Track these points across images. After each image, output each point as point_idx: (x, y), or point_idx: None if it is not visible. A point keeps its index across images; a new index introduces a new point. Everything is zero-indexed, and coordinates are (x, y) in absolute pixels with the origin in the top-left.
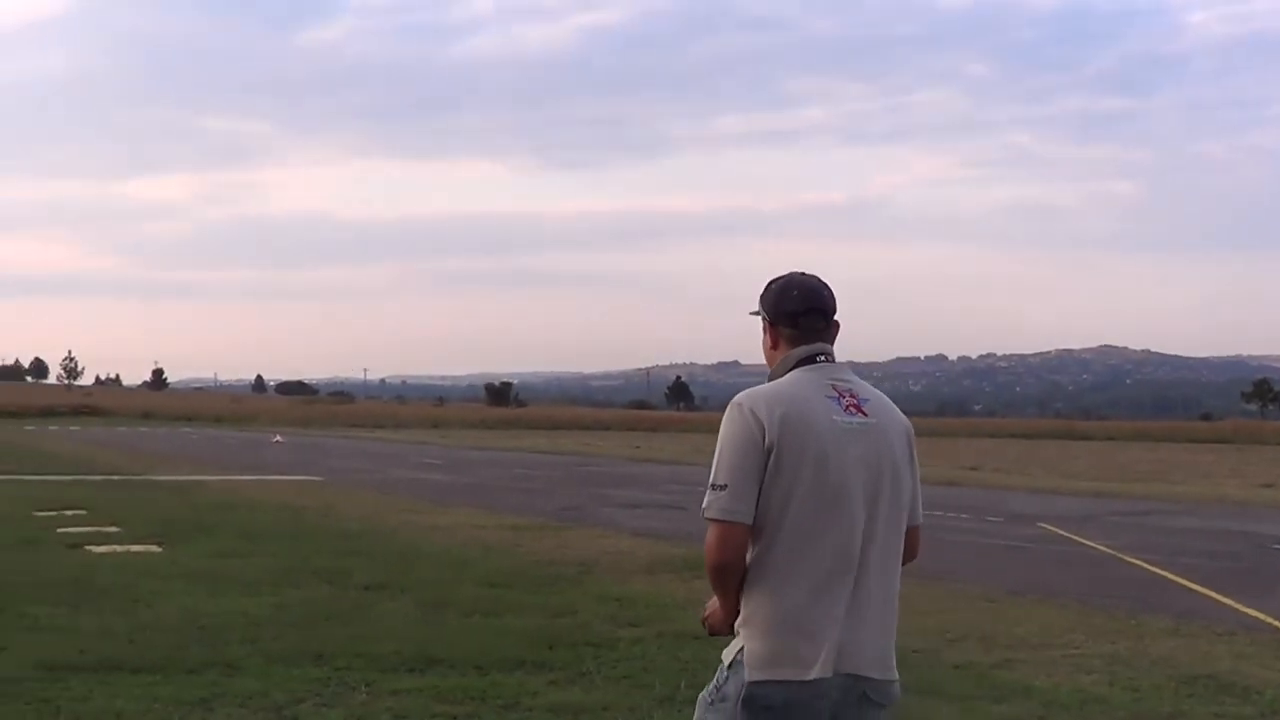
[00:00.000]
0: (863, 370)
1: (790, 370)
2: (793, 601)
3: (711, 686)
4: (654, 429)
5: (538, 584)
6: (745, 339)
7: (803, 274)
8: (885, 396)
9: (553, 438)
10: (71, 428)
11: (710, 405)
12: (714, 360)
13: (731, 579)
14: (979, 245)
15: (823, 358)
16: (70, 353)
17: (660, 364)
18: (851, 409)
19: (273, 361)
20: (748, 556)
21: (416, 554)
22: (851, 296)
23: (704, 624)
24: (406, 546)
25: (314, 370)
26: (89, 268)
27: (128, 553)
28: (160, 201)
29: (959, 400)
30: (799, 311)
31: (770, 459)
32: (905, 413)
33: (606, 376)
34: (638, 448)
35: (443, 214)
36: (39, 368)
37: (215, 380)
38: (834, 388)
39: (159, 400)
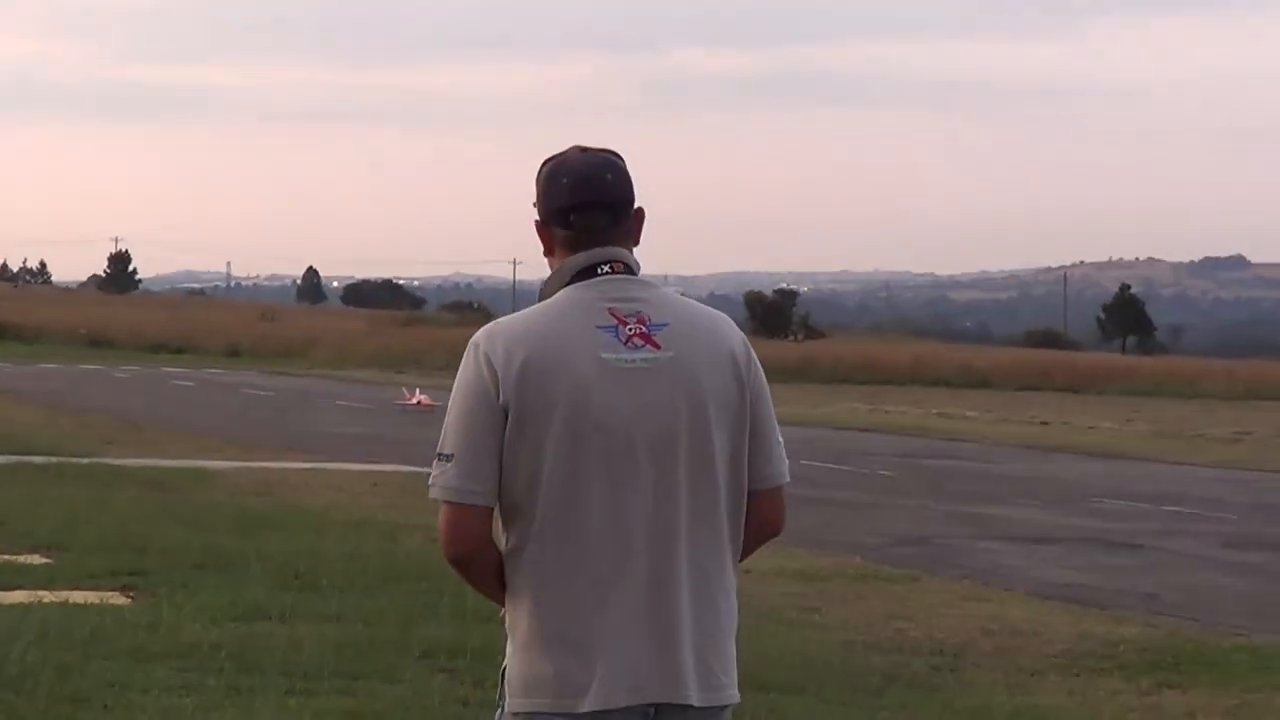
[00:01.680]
0: None
1: (564, 286)
2: (556, 608)
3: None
4: (1074, 386)
5: (852, 689)
6: (1263, 221)
7: (583, 150)
8: (708, 311)
9: (874, 397)
10: None
11: (1185, 342)
12: (1195, 255)
13: (480, 575)
14: None
15: (606, 268)
16: None
17: (1089, 260)
18: (636, 340)
19: (336, 245)
20: (502, 546)
21: None
22: None
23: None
24: None
25: (414, 263)
26: None
27: (66, 606)
28: None
29: None
30: (570, 207)
31: (509, 421)
32: None
33: (982, 281)
34: (1044, 424)
35: None
36: None
37: (227, 277)
38: (612, 312)
39: (121, 313)
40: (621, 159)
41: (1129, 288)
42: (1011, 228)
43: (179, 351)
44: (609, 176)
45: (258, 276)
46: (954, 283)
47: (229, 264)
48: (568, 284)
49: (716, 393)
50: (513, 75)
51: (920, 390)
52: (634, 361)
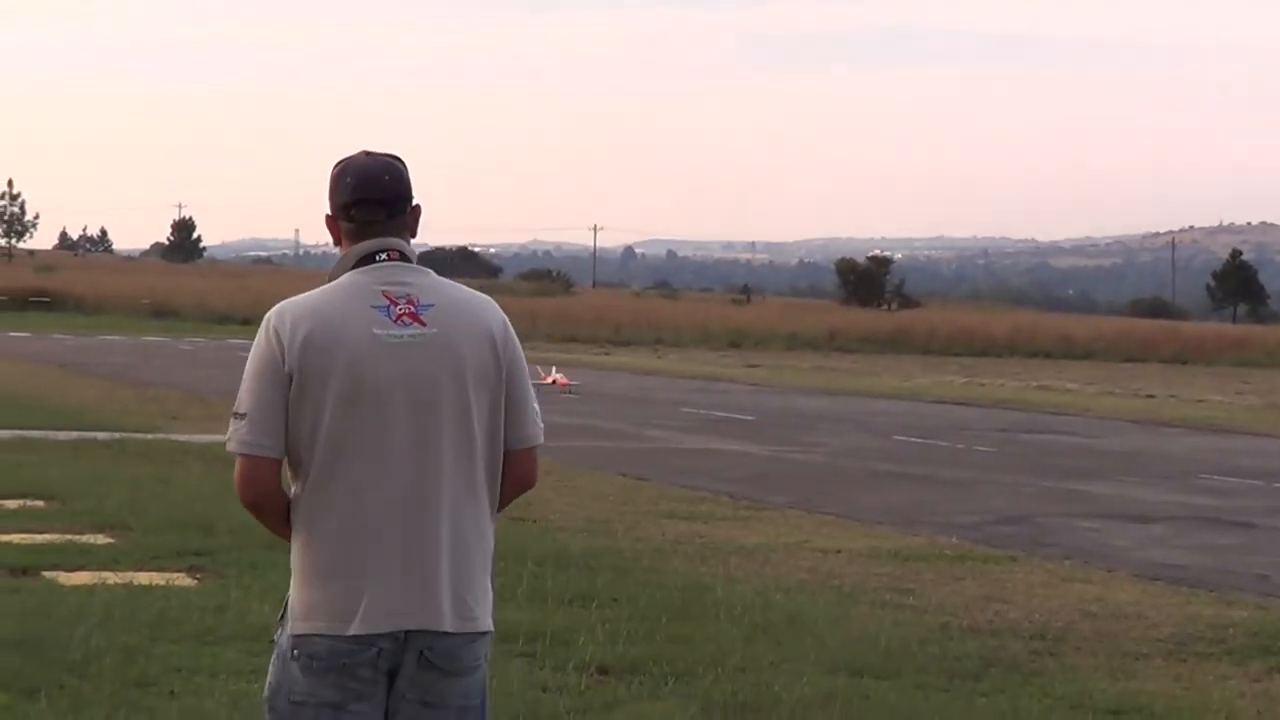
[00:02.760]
0: None
1: (349, 270)
2: (328, 546)
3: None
4: (1182, 357)
5: (948, 674)
6: None
7: (368, 154)
8: (472, 294)
9: (971, 369)
10: (13, 333)
11: None
12: None
13: (270, 518)
14: None
15: (384, 255)
16: (11, 184)
17: (1199, 225)
18: (405, 318)
19: None
20: (290, 493)
21: (698, 602)
22: None
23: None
24: (680, 585)
25: (490, 230)
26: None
27: (130, 587)
28: None
29: None
30: (351, 202)
31: (293, 385)
32: None
33: (1085, 247)
34: (1150, 396)
35: None
36: None
37: (297, 245)
38: (385, 294)
39: (185, 282)
40: (402, 162)
41: (1240, 254)
42: (1117, 191)
43: (245, 323)
44: (386, 177)
45: (327, 244)
46: (1056, 249)
47: (297, 231)
48: (351, 269)
49: (475, 364)
50: (595, 31)
51: (1020, 362)
52: (402, 337)
